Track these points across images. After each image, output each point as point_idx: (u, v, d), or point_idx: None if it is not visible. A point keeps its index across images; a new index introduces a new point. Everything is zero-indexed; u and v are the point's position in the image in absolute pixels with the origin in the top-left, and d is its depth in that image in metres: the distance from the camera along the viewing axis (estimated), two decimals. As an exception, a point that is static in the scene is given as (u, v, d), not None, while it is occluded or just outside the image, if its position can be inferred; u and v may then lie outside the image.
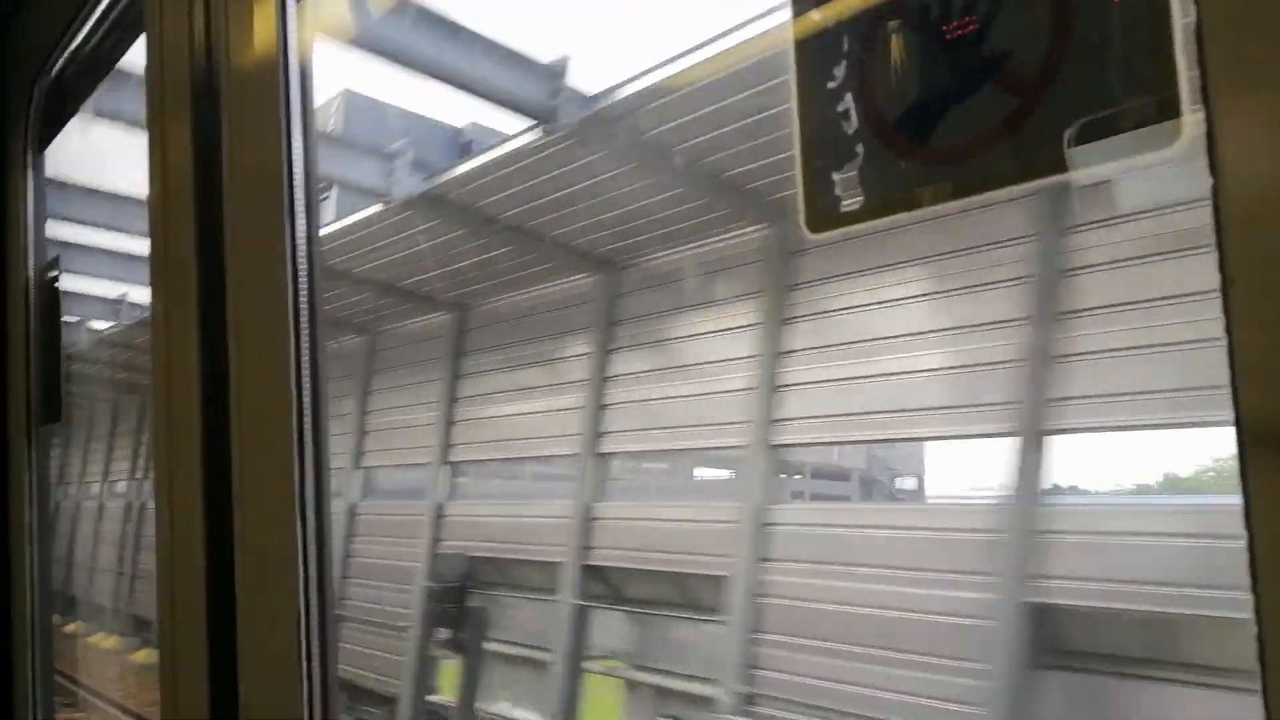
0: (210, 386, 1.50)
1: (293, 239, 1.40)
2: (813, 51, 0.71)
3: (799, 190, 0.73)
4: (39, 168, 2.40)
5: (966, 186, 0.65)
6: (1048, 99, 0.59)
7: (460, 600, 14.79)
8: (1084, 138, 0.59)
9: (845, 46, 0.69)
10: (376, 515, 16.28)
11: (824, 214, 0.72)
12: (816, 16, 0.72)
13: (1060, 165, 0.60)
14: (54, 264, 2.38)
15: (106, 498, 24.43)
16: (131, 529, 21.38)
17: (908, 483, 14.18)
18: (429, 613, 14.89)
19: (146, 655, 16.04)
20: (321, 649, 1.38)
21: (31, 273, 2.36)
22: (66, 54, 2.16)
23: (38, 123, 2.34)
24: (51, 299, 2.37)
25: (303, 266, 1.42)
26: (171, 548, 1.57)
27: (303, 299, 1.41)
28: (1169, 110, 0.55)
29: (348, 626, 15.35)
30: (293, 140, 1.40)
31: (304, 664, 1.36)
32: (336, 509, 16.11)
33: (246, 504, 1.44)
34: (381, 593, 15.35)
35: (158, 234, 1.62)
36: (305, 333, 1.42)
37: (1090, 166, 0.60)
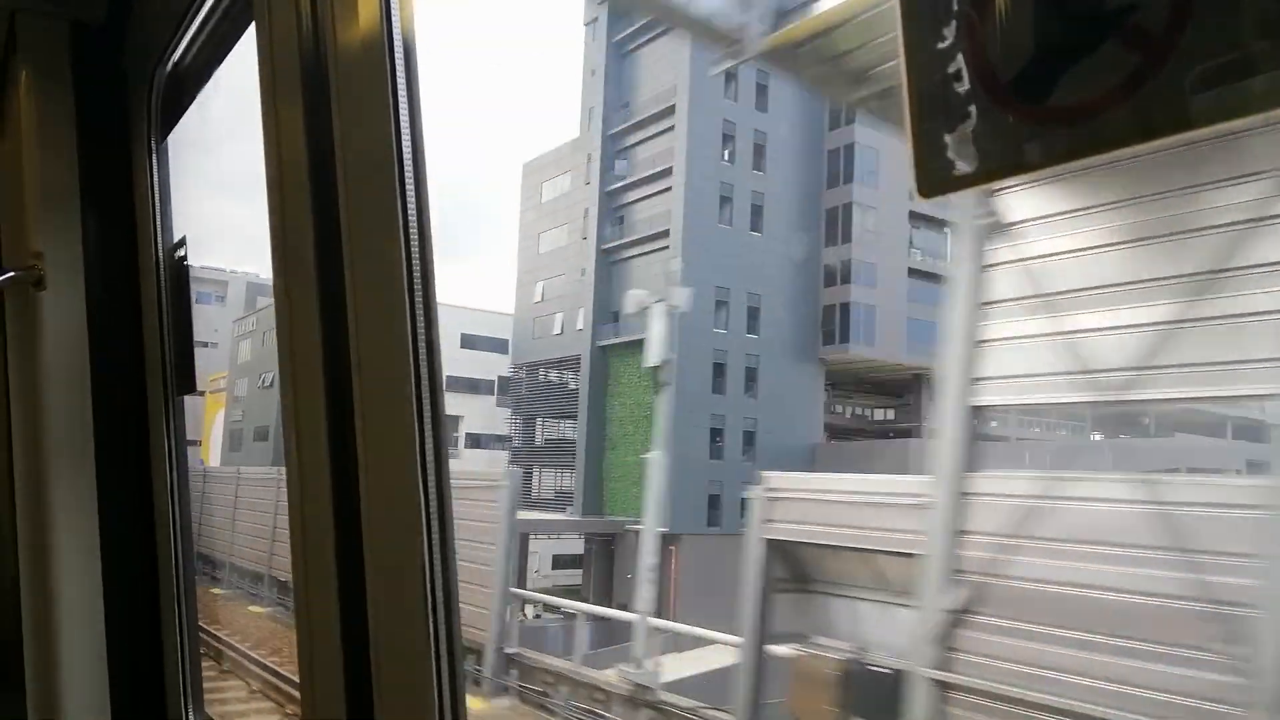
0: (333, 358, 1.56)
1: (404, 214, 1.44)
2: (922, 11, 0.69)
3: (909, 152, 0.71)
4: (163, 154, 2.53)
5: (1085, 147, 0.63)
6: (1174, 55, 0.56)
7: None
8: (1212, 93, 0.55)
9: (955, 5, 0.66)
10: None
11: (936, 177, 0.70)
12: None
13: (1186, 123, 0.56)
14: (181, 244, 2.51)
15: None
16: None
17: None
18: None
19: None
20: (447, 608, 1.43)
21: (161, 253, 2.50)
22: (184, 43, 2.25)
23: (159, 111, 2.46)
24: (181, 277, 2.50)
25: (415, 240, 1.45)
26: (303, 513, 1.64)
27: (416, 271, 1.45)
28: None
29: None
30: (400, 118, 1.43)
31: (430, 621, 1.42)
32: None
33: (370, 468, 1.50)
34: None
35: (276, 215, 1.69)
36: (420, 304, 1.45)
37: (1219, 121, 0.56)
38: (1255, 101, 0.54)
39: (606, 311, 51.29)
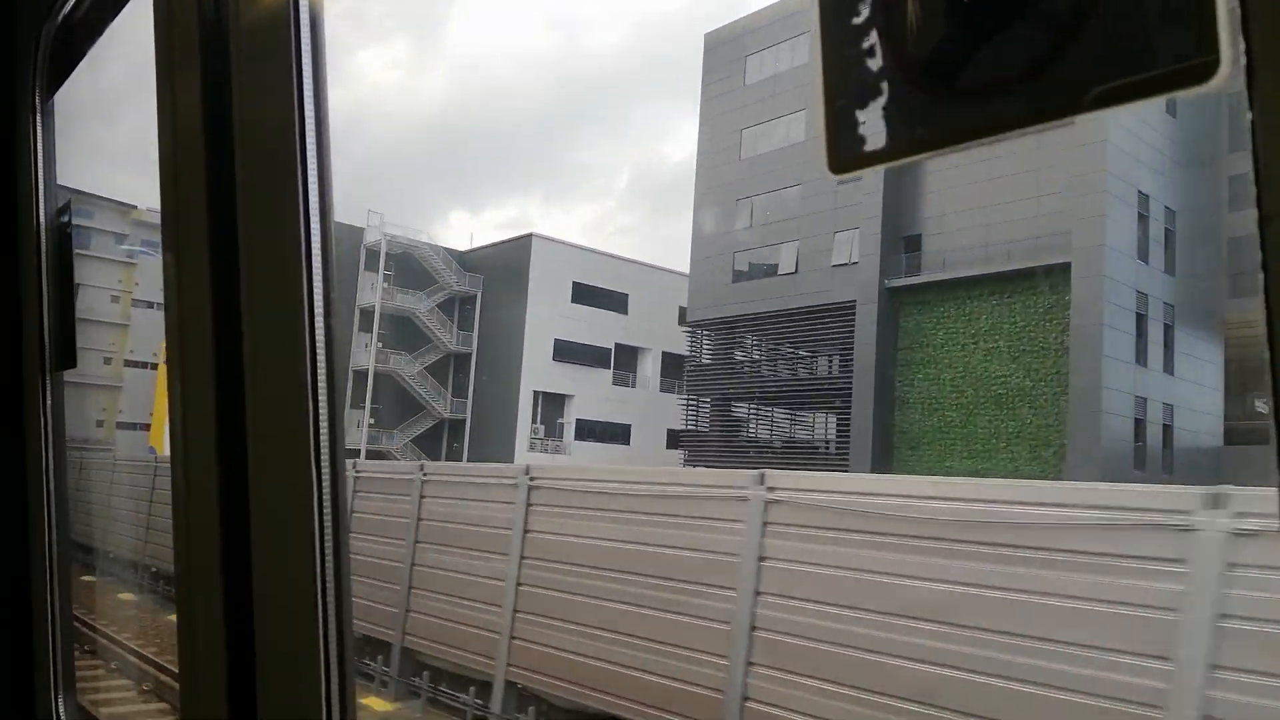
0: (224, 344, 1.50)
1: (304, 189, 1.39)
2: None
3: (823, 129, 0.71)
4: (49, 112, 2.39)
5: (992, 125, 0.63)
6: (1079, 37, 0.57)
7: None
8: (1116, 75, 0.56)
9: None
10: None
11: (846, 153, 0.70)
12: None
13: (1089, 104, 0.58)
14: (66, 209, 2.38)
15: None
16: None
17: None
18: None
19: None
20: (338, 609, 1.39)
21: (43, 218, 2.36)
22: None
23: (46, 66, 2.33)
24: (64, 245, 2.37)
25: (315, 216, 1.40)
26: (188, 503, 1.58)
27: (316, 255, 1.41)
28: (1206, 47, 0.53)
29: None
30: (304, 89, 1.38)
31: (320, 621, 1.37)
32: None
33: (260, 458, 1.45)
34: None
35: (168, 187, 1.62)
36: (320, 289, 1.41)
37: (1122, 103, 0.57)
38: (1155, 86, 0.55)
39: (897, 237, 33.27)
